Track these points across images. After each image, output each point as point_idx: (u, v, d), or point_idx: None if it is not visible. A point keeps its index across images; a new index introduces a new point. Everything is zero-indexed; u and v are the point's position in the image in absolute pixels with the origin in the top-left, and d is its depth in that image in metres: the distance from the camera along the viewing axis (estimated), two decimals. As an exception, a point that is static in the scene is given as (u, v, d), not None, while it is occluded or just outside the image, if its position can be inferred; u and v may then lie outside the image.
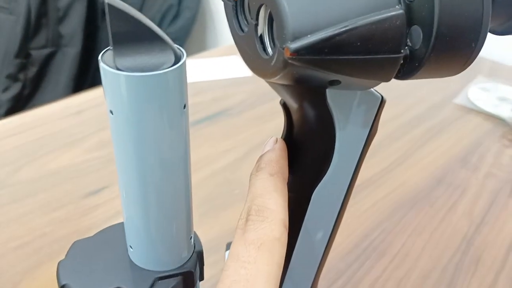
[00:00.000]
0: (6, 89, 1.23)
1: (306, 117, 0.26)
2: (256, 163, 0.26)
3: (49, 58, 1.29)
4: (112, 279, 0.27)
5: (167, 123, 0.23)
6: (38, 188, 0.54)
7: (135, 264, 0.28)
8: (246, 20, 0.22)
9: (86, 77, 1.35)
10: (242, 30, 0.23)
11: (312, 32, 0.18)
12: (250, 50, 0.22)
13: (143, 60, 0.21)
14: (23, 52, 1.23)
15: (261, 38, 0.21)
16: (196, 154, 0.59)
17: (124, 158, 0.24)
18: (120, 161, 0.24)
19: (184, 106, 0.23)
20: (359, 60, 0.19)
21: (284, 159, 0.26)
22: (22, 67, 1.24)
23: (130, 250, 0.28)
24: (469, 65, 0.22)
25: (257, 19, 0.21)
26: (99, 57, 0.21)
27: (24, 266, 0.41)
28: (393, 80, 0.21)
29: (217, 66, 0.82)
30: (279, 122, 0.29)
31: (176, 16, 1.48)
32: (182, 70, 0.22)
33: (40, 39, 1.26)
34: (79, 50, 1.29)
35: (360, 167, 0.28)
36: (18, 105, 1.25)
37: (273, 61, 0.19)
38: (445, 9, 0.19)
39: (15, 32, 1.20)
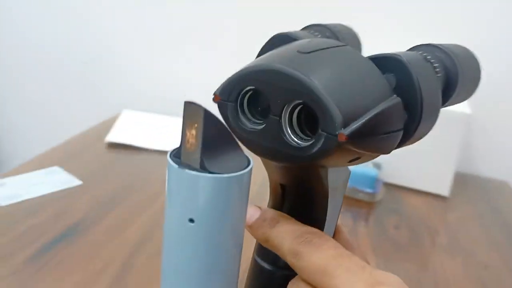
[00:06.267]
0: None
1: (302, 193, 0.28)
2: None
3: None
4: None
5: (242, 221, 0.22)
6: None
7: None
8: (257, 116, 0.25)
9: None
10: (254, 127, 0.25)
11: (353, 119, 0.22)
12: (271, 143, 0.24)
13: (227, 164, 0.20)
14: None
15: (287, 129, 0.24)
16: None
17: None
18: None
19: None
20: (384, 137, 0.24)
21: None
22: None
23: None
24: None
25: (279, 115, 0.24)
26: (176, 167, 0.20)
27: None
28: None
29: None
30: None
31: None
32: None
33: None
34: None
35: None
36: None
37: (316, 147, 0.23)
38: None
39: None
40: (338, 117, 0.22)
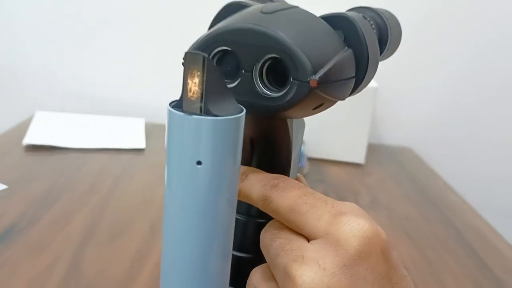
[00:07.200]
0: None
1: (270, 145, 0.32)
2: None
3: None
4: None
5: (239, 164, 0.24)
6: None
7: None
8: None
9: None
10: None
11: (320, 67, 0.25)
12: (245, 97, 0.27)
13: (226, 109, 0.22)
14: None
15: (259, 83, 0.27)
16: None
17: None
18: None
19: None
20: (343, 83, 0.28)
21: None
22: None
23: None
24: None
25: (251, 71, 0.27)
26: (182, 114, 0.21)
27: None
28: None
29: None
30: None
31: None
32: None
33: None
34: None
35: None
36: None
37: (290, 95, 0.26)
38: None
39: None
40: (308, 65, 0.25)
